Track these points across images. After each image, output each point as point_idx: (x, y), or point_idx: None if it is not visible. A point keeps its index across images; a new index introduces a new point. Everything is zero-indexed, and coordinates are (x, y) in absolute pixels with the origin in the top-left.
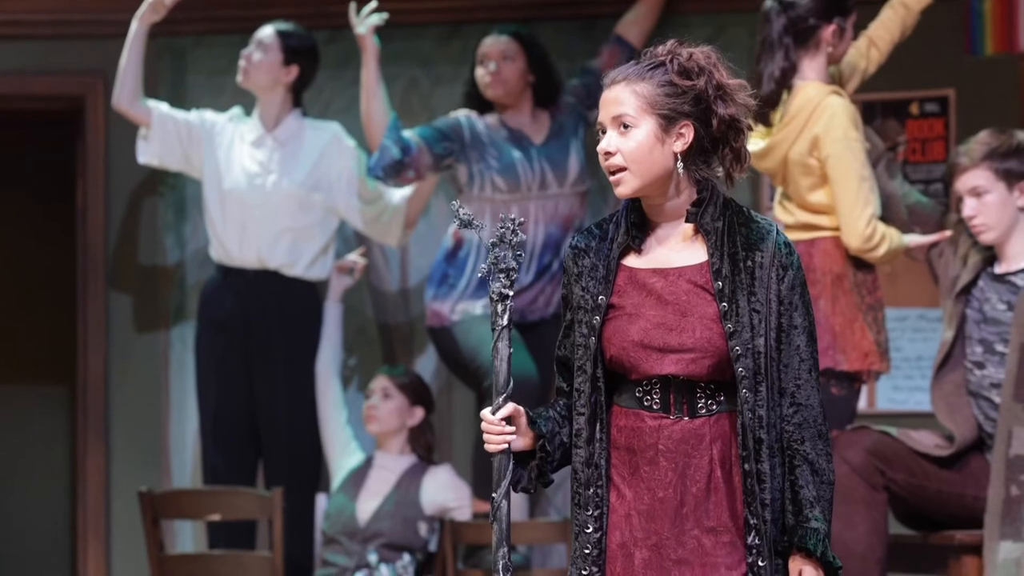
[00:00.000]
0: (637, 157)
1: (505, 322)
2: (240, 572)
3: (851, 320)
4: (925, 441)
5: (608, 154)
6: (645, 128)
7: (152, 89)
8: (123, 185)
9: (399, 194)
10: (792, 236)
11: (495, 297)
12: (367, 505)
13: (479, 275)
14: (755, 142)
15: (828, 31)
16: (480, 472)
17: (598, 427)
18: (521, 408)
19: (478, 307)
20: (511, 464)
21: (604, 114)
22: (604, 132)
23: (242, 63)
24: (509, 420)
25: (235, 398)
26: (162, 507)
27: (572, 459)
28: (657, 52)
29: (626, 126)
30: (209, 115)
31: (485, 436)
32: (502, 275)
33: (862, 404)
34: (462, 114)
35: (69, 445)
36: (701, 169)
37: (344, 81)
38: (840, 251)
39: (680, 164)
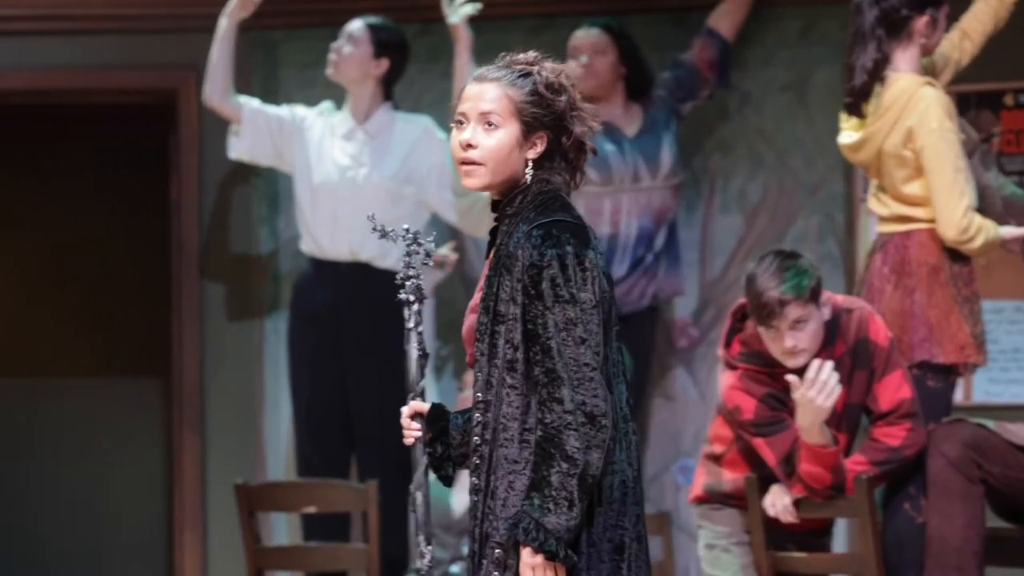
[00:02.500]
0: (496, 156)
1: (412, 325)
2: (335, 564)
3: (947, 312)
4: (1022, 434)
5: (469, 146)
6: (509, 131)
7: (245, 82)
8: (216, 178)
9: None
10: (887, 228)
11: (402, 302)
12: (462, 497)
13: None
14: (848, 134)
15: (921, 22)
16: None
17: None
18: (425, 405)
19: None
20: (423, 457)
21: (470, 107)
22: (463, 123)
23: (332, 56)
24: (419, 417)
25: (328, 391)
26: (258, 499)
27: None
28: (520, 59)
29: (491, 124)
30: (299, 109)
31: (404, 432)
32: (408, 282)
33: (958, 397)
34: None
35: (165, 438)
36: (540, 179)
37: (435, 74)
38: (936, 243)
39: (530, 170)
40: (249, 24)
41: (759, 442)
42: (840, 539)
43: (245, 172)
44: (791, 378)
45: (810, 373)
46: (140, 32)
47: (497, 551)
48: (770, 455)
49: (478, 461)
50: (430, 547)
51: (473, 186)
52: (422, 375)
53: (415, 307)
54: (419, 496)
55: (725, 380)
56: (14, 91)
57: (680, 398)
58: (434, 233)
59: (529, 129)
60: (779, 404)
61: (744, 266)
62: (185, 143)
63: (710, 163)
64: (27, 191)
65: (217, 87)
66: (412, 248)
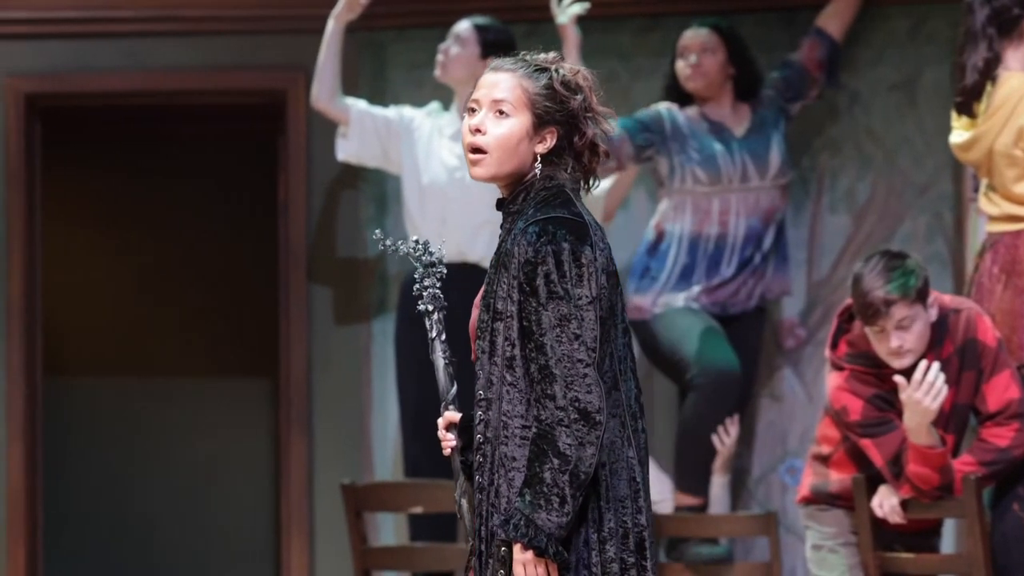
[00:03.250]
0: (504, 145)
1: (435, 335)
2: (442, 564)
3: None
4: None
5: (478, 131)
6: (520, 121)
7: (352, 83)
8: (324, 179)
9: (598, 186)
10: (997, 228)
11: (423, 313)
12: None
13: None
14: (959, 133)
15: None
16: (682, 465)
17: None
18: (456, 415)
19: (679, 299)
20: (459, 467)
21: (484, 94)
22: (475, 110)
23: (440, 57)
24: (452, 427)
25: (434, 392)
26: (365, 500)
27: None
28: (540, 59)
29: (502, 112)
30: (407, 111)
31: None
32: (426, 292)
33: None
34: (663, 106)
35: (272, 438)
36: (545, 176)
37: None
38: None
39: (539, 164)
40: (357, 25)
41: (867, 443)
42: (948, 540)
43: (353, 173)
44: (898, 379)
45: (917, 374)
46: (249, 33)
47: (503, 548)
48: (878, 456)
49: (481, 459)
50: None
51: (479, 176)
52: (452, 383)
53: (435, 316)
54: (464, 503)
55: (832, 381)
56: (127, 92)
57: (787, 398)
58: (444, 241)
59: (540, 122)
60: (887, 405)
61: (852, 266)
62: (293, 145)
63: (818, 163)
64: (139, 191)
65: (325, 89)
66: (425, 258)
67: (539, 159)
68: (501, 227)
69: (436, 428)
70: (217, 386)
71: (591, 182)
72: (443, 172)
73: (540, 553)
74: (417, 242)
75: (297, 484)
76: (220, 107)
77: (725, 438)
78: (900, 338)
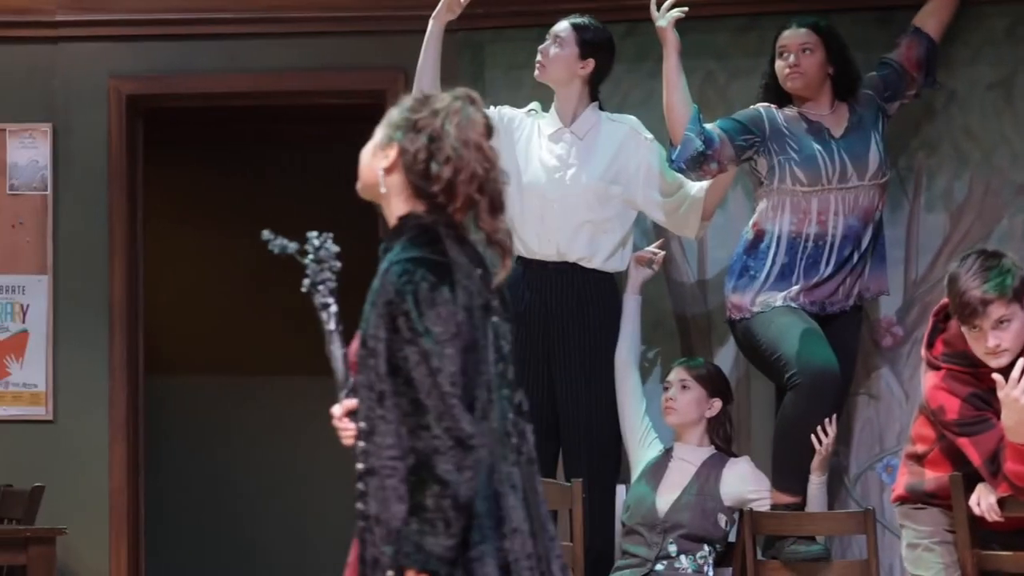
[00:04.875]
0: (364, 160)
1: (332, 327)
2: None
3: None
4: None
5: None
6: (376, 137)
7: (451, 83)
8: None
9: (697, 186)
10: None
11: (319, 307)
12: (666, 496)
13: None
14: None
15: None
16: (780, 464)
17: None
18: (355, 402)
19: (778, 299)
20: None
21: None
22: None
23: (539, 58)
24: (352, 415)
25: (534, 390)
26: None
27: None
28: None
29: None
30: (507, 110)
31: (339, 432)
32: (320, 286)
33: None
34: (762, 106)
35: None
36: (420, 200)
37: (641, 74)
38: None
39: (382, 177)
40: (456, 26)
41: (964, 442)
42: None
43: None
44: (996, 377)
45: (1015, 372)
46: (350, 34)
47: (390, 573)
48: (975, 455)
49: (362, 487)
50: None
51: (359, 190)
52: (349, 372)
53: (332, 309)
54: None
55: (929, 380)
56: (228, 93)
57: (884, 397)
58: (331, 235)
59: (387, 140)
60: (984, 404)
61: (949, 265)
62: None
63: (915, 162)
64: (238, 192)
65: (425, 90)
66: (323, 253)
67: (383, 172)
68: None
69: (536, 426)
70: (317, 384)
71: (464, 213)
72: (542, 172)
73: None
74: (312, 236)
75: None
76: (320, 108)
77: (823, 437)
78: (997, 337)
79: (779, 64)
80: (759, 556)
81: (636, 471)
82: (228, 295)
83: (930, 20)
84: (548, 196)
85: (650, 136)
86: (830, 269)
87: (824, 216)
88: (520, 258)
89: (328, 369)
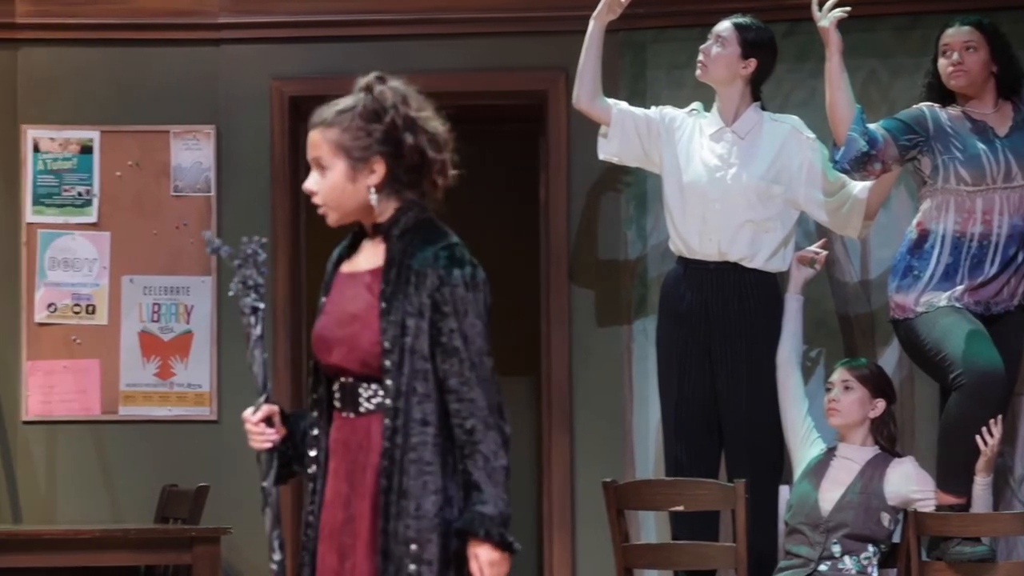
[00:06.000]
0: (331, 196)
1: (259, 332)
2: (704, 562)
3: None
4: None
5: (311, 192)
6: (337, 170)
7: (613, 84)
8: (585, 179)
9: (860, 185)
10: None
11: (247, 311)
12: (830, 495)
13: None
14: None
15: None
16: (945, 465)
17: (319, 410)
18: (276, 408)
19: (942, 299)
20: (275, 459)
21: (308, 156)
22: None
23: (700, 57)
24: (269, 421)
25: (696, 390)
26: (626, 498)
27: None
28: (359, 85)
29: (322, 167)
30: (668, 110)
31: (249, 436)
32: (251, 291)
33: None
34: (925, 106)
35: (535, 436)
36: (402, 192)
37: (803, 73)
38: None
39: (374, 195)
40: (618, 26)
41: None
42: None
43: (614, 174)
44: None
45: None
46: (510, 35)
47: (413, 547)
48: None
49: (387, 463)
50: (281, 552)
51: (332, 224)
52: (268, 378)
53: (261, 314)
54: (274, 492)
55: None
56: None
57: None
58: (264, 240)
59: (360, 162)
60: None
61: None
62: (554, 145)
63: None
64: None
65: (586, 90)
66: (258, 257)
67: (374, 189)
68: (356, 244)
69: (697, 426)
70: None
71: (439, 184)
72: (703, 171)
73: (506, 548)
74: (248, 240)
75: (559, 482)
76: (481, 108)
77: (988, 438)
78: None
79: (942, 62)
80: (923, 557)
81: (798, 470)
82: None
83: None
84: (709, 196)
85: (812, 135)
86: (995, 269)
87: (989, 216)
88: (681, 258)
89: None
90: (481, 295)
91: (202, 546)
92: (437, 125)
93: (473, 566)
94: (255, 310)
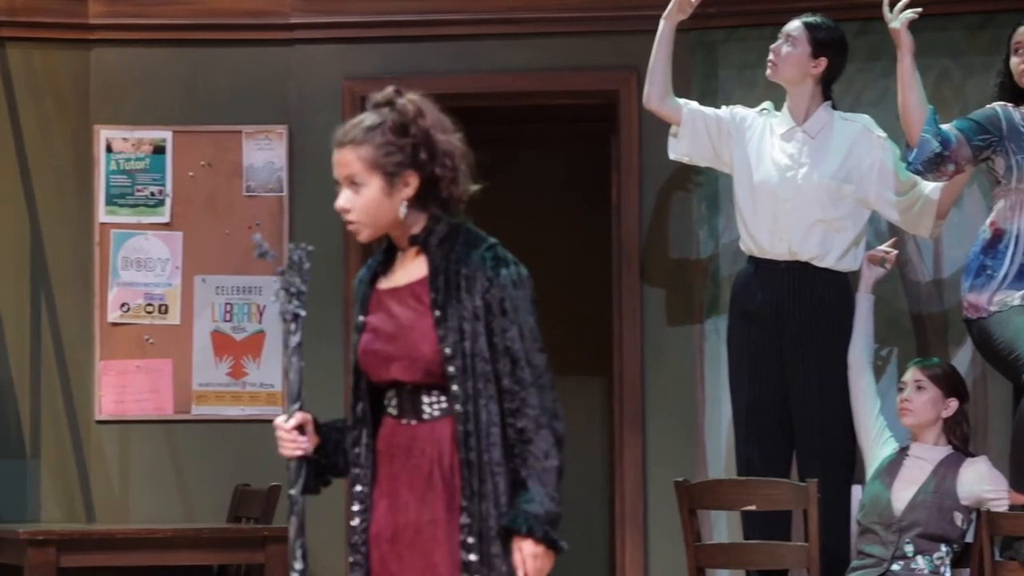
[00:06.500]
0: (367, 212)
1: (298, 339)
2: (776, 562)
3: None
4: None
5: (345, 210)
6: (373, 187)
7: (684, 83)
8: (656, 179)
9: (931, 185)
10: None
11: (288, 317)
12: (902, 494)
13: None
14: None
15: None
16: (1018, 464)
17: (364, 433)
18: (310, 416)
19: (1016, 298)
20: (304, 467)
21: (338, 173)
22: (340, 188)
23: (770, 57)
24: (301, 428)
25: (768, 389)
26: (698, 497)
27: None
28: (377, 100)
29: (356, 183)
30: (739, 110)
31: (280, 442)
32: (294, 298)
33: None
34: (998, 105)
35: (606, 435)
36: (428, 203)
37: (874, 73)
38: None
39: (404, 208)
40: (688, 25)
41: None
42: None
43: (685, 173)
44: None
45: None
46: (581, 34)
47: (495, 547)
48: None
49: (465, 468)
50: (303, 562)
51: (364, 240)
52: (302, 386)
53: (301, 320)
54: (301, 500)
55: None
56: (460, 94)
57: None
58: (311, 247)
59: (394, 177)
60: None
61: None
62: (625, 144)
63: None
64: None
65: (656, 90)
66: (303, 265)
67: (407, 203)
68: (391, 256)
69: (769, 426)
70: (557, 383)
71: (459, 190)
72: (774, 171)
73: (551, 545)
74: (295, 246)
75: (631, 481)
76: (552, 108)
77: None
78: None
79: (1014, 61)
80: (996, 557)
81: (871, 470)
82: None
83: None
84: (780, 195)
85: (883, 134)
86: None
87: None
88: (751, 257)
89: (564, 367)
90: (528, 292)
91: (274, 545)
92: (451, 139)
93: (516, 558)
94: (296, 317)
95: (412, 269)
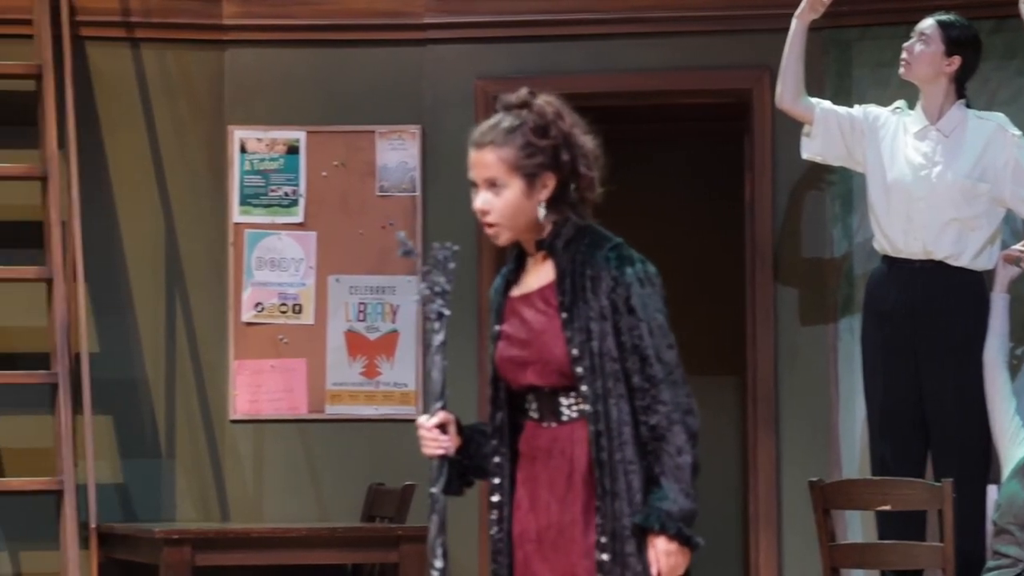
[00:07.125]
0: (508, 214)
1: (442, 338)
2: (911, 562)
3: None
4: None
5: (484, 212)
6: (514, 188)
7: (817, 83)
8: (789, 178)
9: None
10: None
11: (432, 316)
12: None
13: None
14: None
15: None
16: None
17: (500, 438)
18: (452, 416)
19: None
20: (445, 466)
21: (476, 175)
22: (477, 188)
23: (903, 55)
24: (444, 428)
25: (902, 389)
26: (832, 497)
27: None
28: (511, 102)
29: (496, 185)
30: (872, 109)
31: (422, 441)
32: (438, 297)
33: None
34: None
35: (740, 434)
36: (560, 206)
37: (1009, 71)
38: None
39: (542, 209)
40: (822, 24)
41: None
42: None
43: (818, 172)
44: None
45: None
46: (713, 33)
47: (629, 546)
48: None
49: (598, 468)
50: (443, 560)
51: (502, 243)
52: (446, 384)
53: (445, 320)
54: (442, 500)
55: None
56: (593, 93)
57: None
58: (456, 247)
59: (534, 178)
60: None
61: None
62: (758, 143)
63: None
64: (608, 193)
65: (788, 89)
66: (448, 264)
67: (545, 205)
68: (521, 261)
69: (903, 426)
70: (690, 384)
71: (592, 191)
72: (908, 170)
73: (685, 542)
74: (440, 246)
75: (765, 481)
76: (685, 107)
77: None
78: None
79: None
80: None
81: (1007, 469)
82: None
83: None
84: (914, 194)
85: (1018, 132)
86: None
87: None
88: (885, 256)
89: (698, 367)
90: (656, 289)
91: (409, 545)
92: (588, 140)
93: (650, 554)
94: (440, 316)
95: (541, 274)
